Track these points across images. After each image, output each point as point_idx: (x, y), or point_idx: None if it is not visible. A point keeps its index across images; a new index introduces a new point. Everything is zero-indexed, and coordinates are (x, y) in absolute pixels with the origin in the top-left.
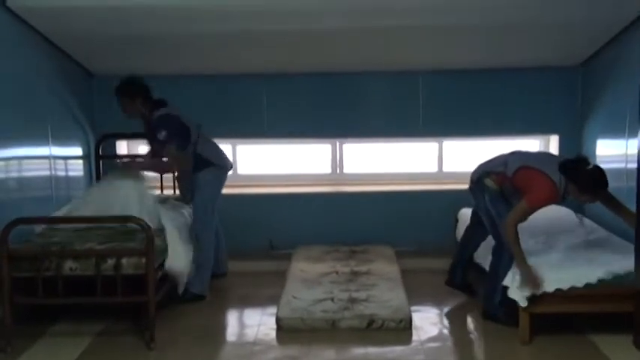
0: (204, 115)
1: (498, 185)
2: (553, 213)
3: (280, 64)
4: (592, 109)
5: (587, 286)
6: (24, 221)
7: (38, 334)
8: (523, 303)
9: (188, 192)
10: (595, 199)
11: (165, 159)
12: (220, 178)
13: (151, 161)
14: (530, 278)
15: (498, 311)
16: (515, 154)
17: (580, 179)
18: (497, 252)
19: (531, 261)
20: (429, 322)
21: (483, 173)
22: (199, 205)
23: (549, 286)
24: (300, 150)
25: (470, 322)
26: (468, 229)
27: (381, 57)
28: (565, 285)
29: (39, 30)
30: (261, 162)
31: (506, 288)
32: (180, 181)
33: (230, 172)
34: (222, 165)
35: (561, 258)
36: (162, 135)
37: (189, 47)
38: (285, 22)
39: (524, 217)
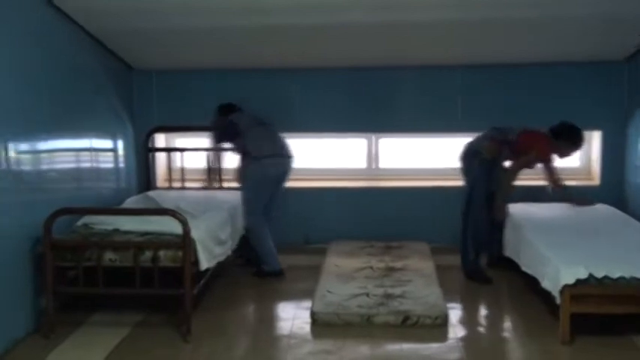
0: None
1: (491, 154)
2: (596, 213)
3: (317, 58)
4: (638, 104)
5: (634, 280)
6: (66, 212)
7: (79, 322)
8: (556, 294)
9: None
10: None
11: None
12: (257, 169)
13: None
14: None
15: (475, 271)
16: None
17: (571, 136)
18: (466, 215)
19: (578, 251)
20: (465, 319)
21: (480, 145)
22: (242, 192)
23: (598, 272)
24: (336, 144)
25: (508, 321)
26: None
27: (419, 51)
28: (614, 274)
29: (82, 25)
30: (296, 156)
31: (478, 245)
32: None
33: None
34: (253, 153)
35: (611, 250)
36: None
37: (225, 41)
38: (322, 16)
39: (526, 166)
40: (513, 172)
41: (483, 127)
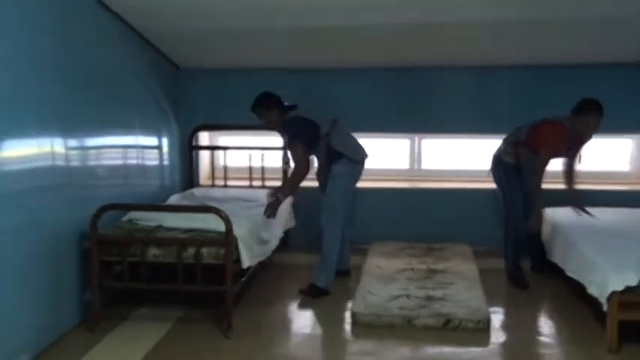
0: None
1: (515, 159)
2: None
3: (359, 59)
4: None
5: None
6: (112, 207)
7: (123, 316)
8: (603, 300)
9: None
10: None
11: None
12: (351, 171)
13: (289, 179)
14: (538, 218)
15: (514, 274)
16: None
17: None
18: (506, 221)
19: (628, 257)
20: (507, 324)
21: (501, 151)
22: (328, 196)
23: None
24: (379, 145)
25: (552, 327)
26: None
27: (464, 51)
28: None
29: (131, 24)
30: None
31: (519, 249)
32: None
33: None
34: (353, 157)
35: None
36: (287, 138)
37: (272, 42)
38: (364, 17)
39: (545, 164)
40: (538, 179)
41: None
